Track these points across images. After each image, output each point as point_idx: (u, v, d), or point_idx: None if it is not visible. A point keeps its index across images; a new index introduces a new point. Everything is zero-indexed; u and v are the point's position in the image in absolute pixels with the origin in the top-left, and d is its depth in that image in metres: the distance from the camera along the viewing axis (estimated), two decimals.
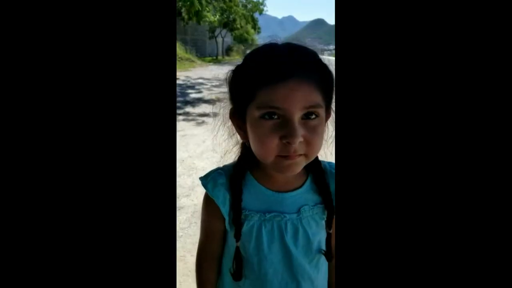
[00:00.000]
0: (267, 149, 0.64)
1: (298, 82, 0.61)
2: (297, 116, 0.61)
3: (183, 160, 3.40)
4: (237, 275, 0.75)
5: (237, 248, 0.74)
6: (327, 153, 0.80)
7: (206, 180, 0.75)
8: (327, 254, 0.80)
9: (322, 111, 0.64)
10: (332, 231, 0.80)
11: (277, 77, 0.61)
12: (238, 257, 0.74)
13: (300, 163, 0.66)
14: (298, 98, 0.61)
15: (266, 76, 0.62)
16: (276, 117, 0.62)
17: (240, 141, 0.77)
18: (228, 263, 0.78)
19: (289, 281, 0.76)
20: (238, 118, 0.70)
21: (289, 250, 0.74)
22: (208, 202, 0.77)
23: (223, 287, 0.83)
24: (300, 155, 0.64)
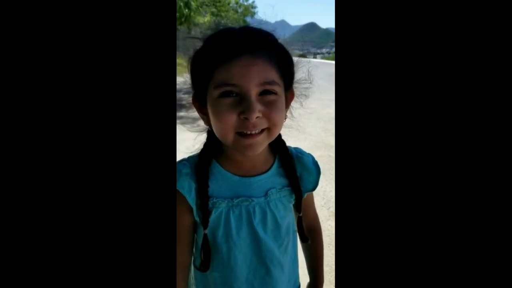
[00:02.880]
0: (226, 126, 0.63)
1: (251, 58, 0.62)
2: (253, 92, 0.62)
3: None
4: (205, 264, 0.72)
5: (205, 236, 0.72)
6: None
7: None
8: (301, 236, 0.81)
9: (279, 89, 0.65)
10: (306, 214, 0.82)
11: (231, 54, 0.62)
12: (206, 245, 0.72)
13: (262, 142, 0.66)
14: (253, 74, 0.61)
15: (221, 55, 0.62)
16: (234, 95, 0.62)
17: (206, 129, 0.78)
18: (198, 257, 0.76)
19: (258, 267, 0.75)
20: (200, 102, 0.71)
21: (257, 235, 0.73)
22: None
23: (196, 282, 0.80)
24: (262, 131, 0.64)
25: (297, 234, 0.84)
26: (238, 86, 0.61)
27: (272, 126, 0.65)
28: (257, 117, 0.62)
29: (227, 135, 0.65)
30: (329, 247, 2.21)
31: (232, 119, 0.62)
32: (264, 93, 0.63)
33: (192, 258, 0.81)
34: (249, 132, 0.63)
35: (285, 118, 0.72)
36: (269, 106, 0.63)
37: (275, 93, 0.64)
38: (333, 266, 2.05)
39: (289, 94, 0.73)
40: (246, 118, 0.61)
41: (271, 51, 0.65)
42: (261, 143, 0.66)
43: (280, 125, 0.68)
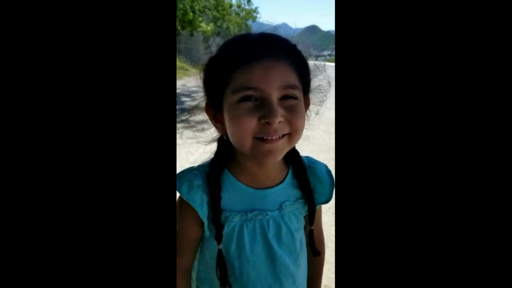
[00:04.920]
0: (244, 131, 0.60)
1: (273, 61, 0.60)
2: (274, 96, 0.59)
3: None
4: (223, 280, 0.69)
5: (220, 251, 0.68)
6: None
7: (180, 182, 0.68)
8: (313, 250, 0.78)
9: (299, 93, 0.63)
10: (314, 226, 0.78)
11: (252, 57, 0.60)
12: (222, 261, 0.68)
13: (282, 148, 0.63)
14: (275, 77, 0.59)
15: (241, 58, 0.60)
16: (253, 99, 0.60)
17: (217, 137, 0.75)
18: (207, 271, 0.73)
19: (272, 283, 0.72)
20: (214, 110, 0.68)
21: (272, 250, 0.70)
22: (183, 207, 0.69)
23: None
24: (283, 136, 0.62)
25: (309, 247, 0.81)
26: (259, 90, 0.59)
27: (293, 132, 0.63)
28: (279, 122, 0.60)
29: (245, 141, 0.62)
30: (333, 253, 2.19)
31: (251, 124, 0.60)
32: (284, 97, 0.61)
33: (194, 275, 0.78)
34: (269, 138, 0.61)
35: None
36: (291, 111, 0.61)
37: (296, 98, 0.63)
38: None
39: (306, 100, 0.71)
40: (268, 123, 0.59)
41: (290, 55, 0.64)
42: (282, 149, 0.64)
43: (301, 131, 0.65)
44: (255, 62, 0.60)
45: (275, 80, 0.60)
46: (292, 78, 0.62)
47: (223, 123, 0.67)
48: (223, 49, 0.68)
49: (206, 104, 0.71)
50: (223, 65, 0.64)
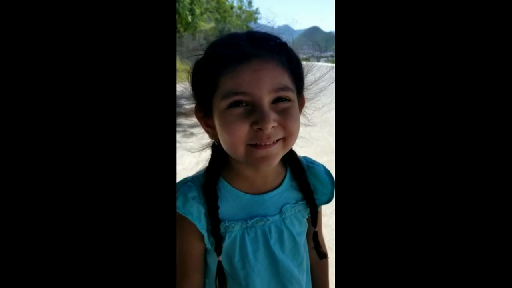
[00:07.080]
0: (236, 137, 0.57)
1: (262, 62, 0.56)
2: (266, 99, 0.56)
3: (177, 174, 3.28)
4: None
5: (219, 263, 0.66)
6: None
7: None
8: (319, 253, 0.76)
9: (292, 95, 0.60)
10: (318, 228, 0.76)
11: (239, 59, 0.56)
12: (221, 273, 0.66)
13: (277, 153, 0.60)
14: (265, 80, 0.56)
15: (226, 60, 0.56)
16: (244, 104, 0.56)
17: (207, 144, 0.72)
18: (212, 284, 0.70)
19: None
20: (204, 114, 0.65)
21: (275, 257, 0.68)
22: (181, 223, 0.65)
23: None
24: (277, 141, 0.59)
25: (314, 251, 0.79)
26: (249, 94, 0.56)
27: (288, 136, 0.60)
28: (272, 127, 0.57)
29: (238, 148, 0.59)
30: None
31: (243, 130, 0.57)
32: (277, 100, 0.58)
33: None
34: (263, 144, 0.58)
35: None
36: (284, 115, 0.58)
37: (289, 100, 0.60)
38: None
39: (301, 100, 0.68)
40: (260, 129, 0.56)
41: (281, 54, 0.60)
42: (276, 154, 0.61)
43: (296, 135, 0.62)
44: (243, 63, 0.56)
45: (265, 83, 0.56)
46: (284, 79, 0.59)
47: (214, 128, 0.64)
48: (209, 50, 0.64)
49: (196, 108, 0.68)
50: (209, 68, 0.61)
